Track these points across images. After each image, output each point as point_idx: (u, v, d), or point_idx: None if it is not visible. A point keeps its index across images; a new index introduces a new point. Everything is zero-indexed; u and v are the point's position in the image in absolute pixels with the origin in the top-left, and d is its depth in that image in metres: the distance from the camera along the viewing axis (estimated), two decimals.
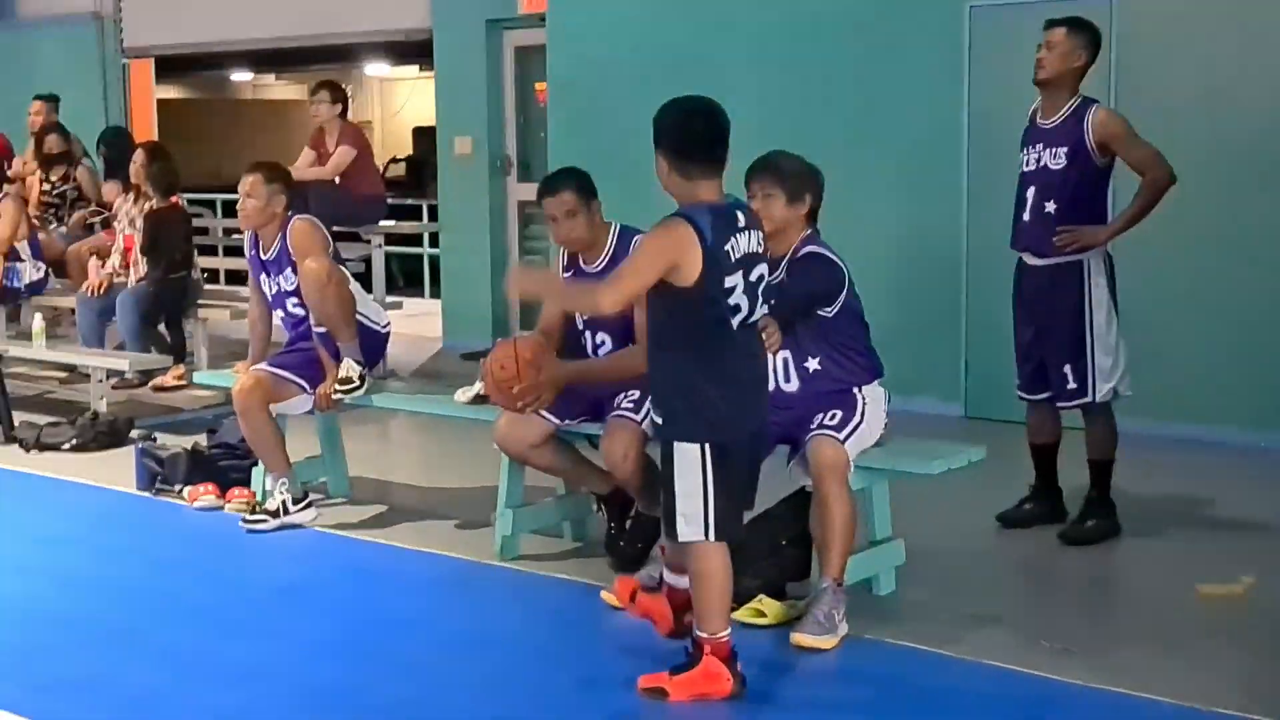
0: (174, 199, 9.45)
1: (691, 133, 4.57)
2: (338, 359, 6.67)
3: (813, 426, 5.27)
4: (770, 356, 5.30)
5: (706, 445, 4.53)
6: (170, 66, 24.86)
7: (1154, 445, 7.55)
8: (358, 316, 6.72)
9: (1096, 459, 6.33)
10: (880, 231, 8.84)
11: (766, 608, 5.26)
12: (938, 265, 8.83)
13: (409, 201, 15.88)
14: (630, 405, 5.74)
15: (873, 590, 5.60)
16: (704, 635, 4.63)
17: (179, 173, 9.49)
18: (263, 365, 6.79)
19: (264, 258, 6.85)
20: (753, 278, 4.58)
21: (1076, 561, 6.18)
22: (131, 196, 9.56)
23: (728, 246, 4.49)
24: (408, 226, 12.03)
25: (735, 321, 4.55)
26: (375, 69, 26.69)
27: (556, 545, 6.36)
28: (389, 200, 15.23)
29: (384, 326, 6.97)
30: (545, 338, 6.06)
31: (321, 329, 6.69)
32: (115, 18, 14.12)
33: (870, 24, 9.01)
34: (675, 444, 4.58)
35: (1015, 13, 8.18)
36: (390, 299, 10.52)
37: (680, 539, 4.63)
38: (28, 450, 8.30)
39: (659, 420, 4.67)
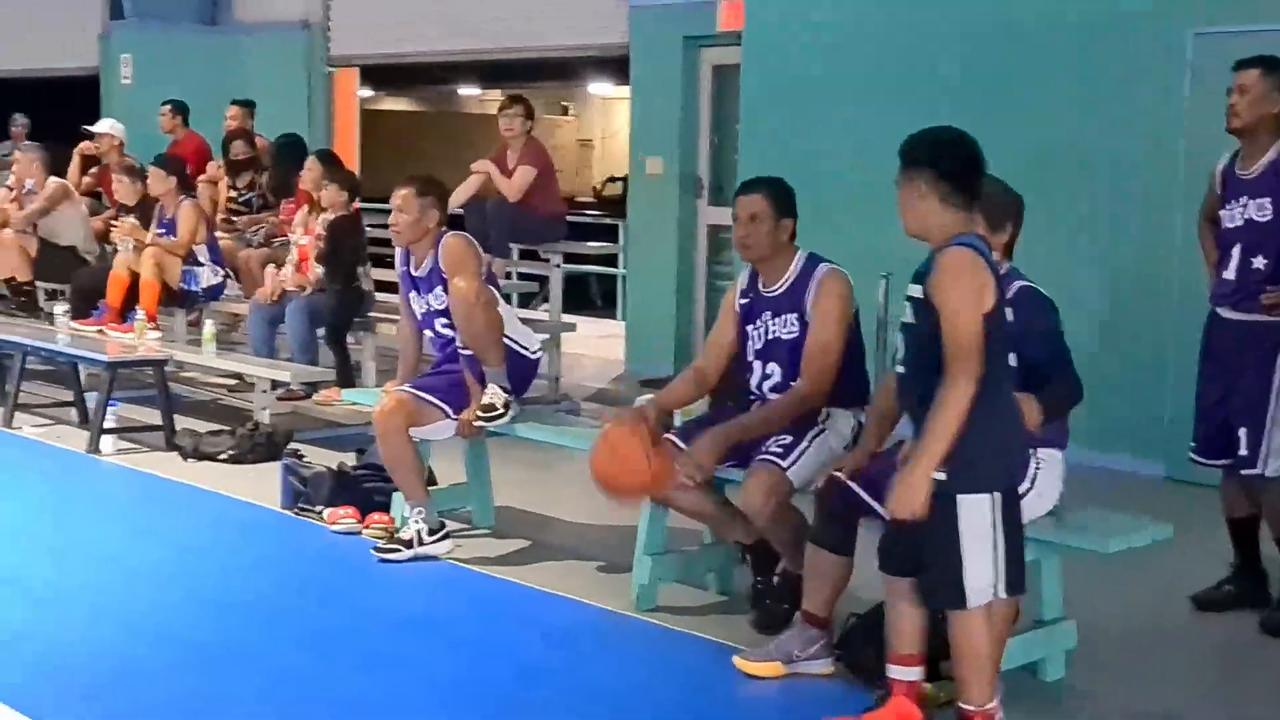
0: (354, 207, 9.28)
1: (973, 163, 4.34)
2: (485, 384, 6.35)
3: None
4: None
5: (996, 495, 4.15)
6: (398, 79, 25.41)
7: None
8: (506, 341, 6.38)
9: None
10: (1080, 268, 8.18)
11: None
12: (1143, 308, 8.12)
13: (606, 221, 15.60)
14: (779, 450, 5.28)
15: (1038, 675, 5.01)
16: (972, 710, 4.24)
17: (357, 180, 9.32)
18: (406, 387, 6.49)
19: (415, 274, 6.57)
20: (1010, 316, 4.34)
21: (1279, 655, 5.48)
22: (307, 206, 9.42)
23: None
24: (593, 246, 11.65)
25: (1012, 358, 4.31)
26: (598, 87, 26.72)
27: (699, 598, 5.91)
28: (603, 220, 15.07)
29: (534, 352, 6.62)
30: (702, 375, 5.69)
31: (468, 351, 6.37)
32: (323, 26, 14.14)
33: (1085, 47, 8.37)
34: (959, 498, 4.15)
35: (1244, 41, 7.44)
36: (566, 319, 10.21)
37: (970, 606, 4.20)
38: (185, 458, 8.17)
39: (936, 474, 4.17)
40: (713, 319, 10.95)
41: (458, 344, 6.42)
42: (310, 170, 9.28)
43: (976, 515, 4.16)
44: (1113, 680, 5.08)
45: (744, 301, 5.61)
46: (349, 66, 14.25)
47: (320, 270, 9.18)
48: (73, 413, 9.16)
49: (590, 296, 16.36)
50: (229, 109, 11.68)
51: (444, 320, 6.47)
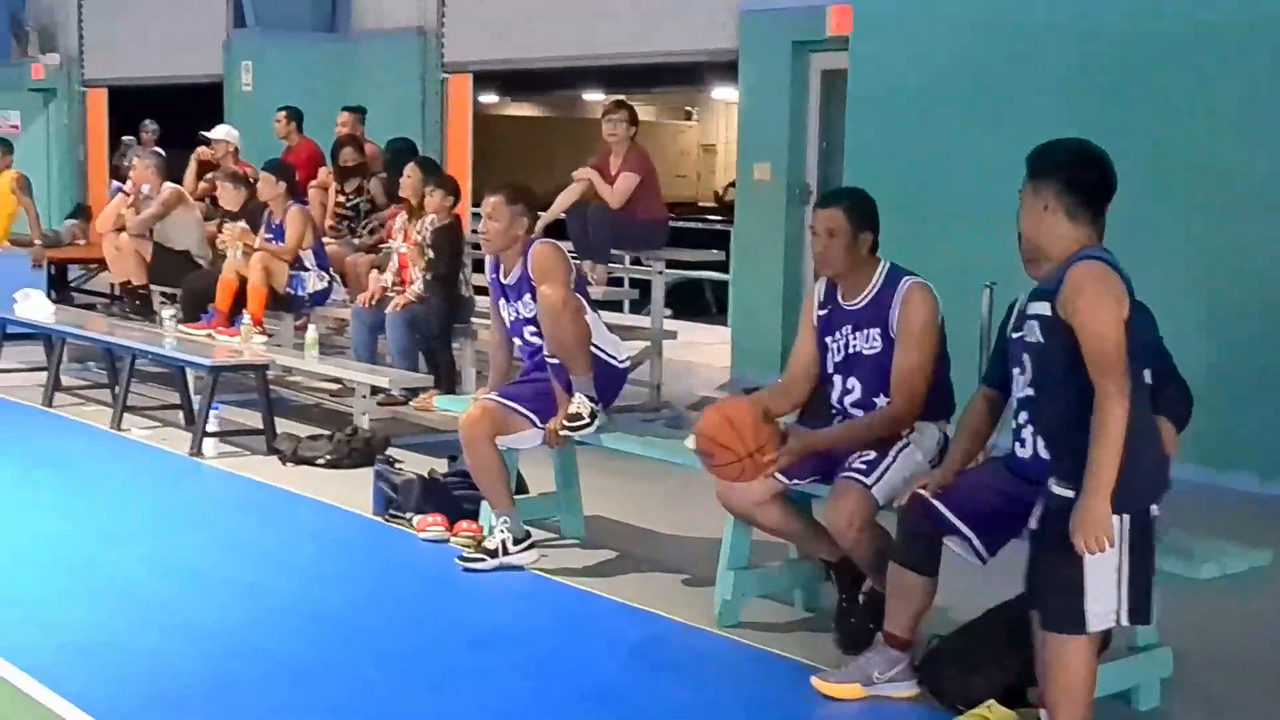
0: (455, 212, 9.27)
1: (1105, 180, 4.21)
2: (572, 393, 6.28)
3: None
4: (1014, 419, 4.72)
5: (1126, 516, 4.02)
6: (523, 85, 25.48)
7: None
8: (593, 350, 6.30)
9: None
10: (1188, 272, 7.89)
11: (995, 715, 4.56)
12: (1260, 313, 7.80)
13: (725, 227, 15.46)
14: (863, 466, 5.14)
15: (1131, 704, 4.82)
16: None
17: (458, 186, 9.32)
18: (493, 395, 6.45)
19: (504, 282, 6.52)
20: None
21: None
22: (405, 213, 9.43)
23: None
24: (695, 253, 11.48)
25: (1147, 375, 4.15)
26: (721, 92, 26.59)
27: (785, 614, 5.79)
28: (720, 225, 14.91)
29: (622, 361, 6.53)
30: (786, 391, 5.57)
31: (555, 360, 6.31)
32: (438, 33, 14.22)
33: (1194, 49, 8.07)
34: None
35: None
36: (669, 326, 10.12)
37: (1089, 630, 4.09)
38: (285, 463, 8.22)
39: (1063, 491, 4.08)
40: None
41: (545, 352, 6.37)
42: (410, 178, 9.27)
43: None
44: (1209, 711, 4.88)
45: (822, 314, 5.46)
46: (462, 72, 14.30)
47: (421, 277, 9.16)
48: (180, 415, 9.28)
49: (705, 302, 16.24)
50: (340, 115, 11.77)
51: (532, 328, 6.42)
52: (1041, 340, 4.19)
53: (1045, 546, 4.17)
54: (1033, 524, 4.31)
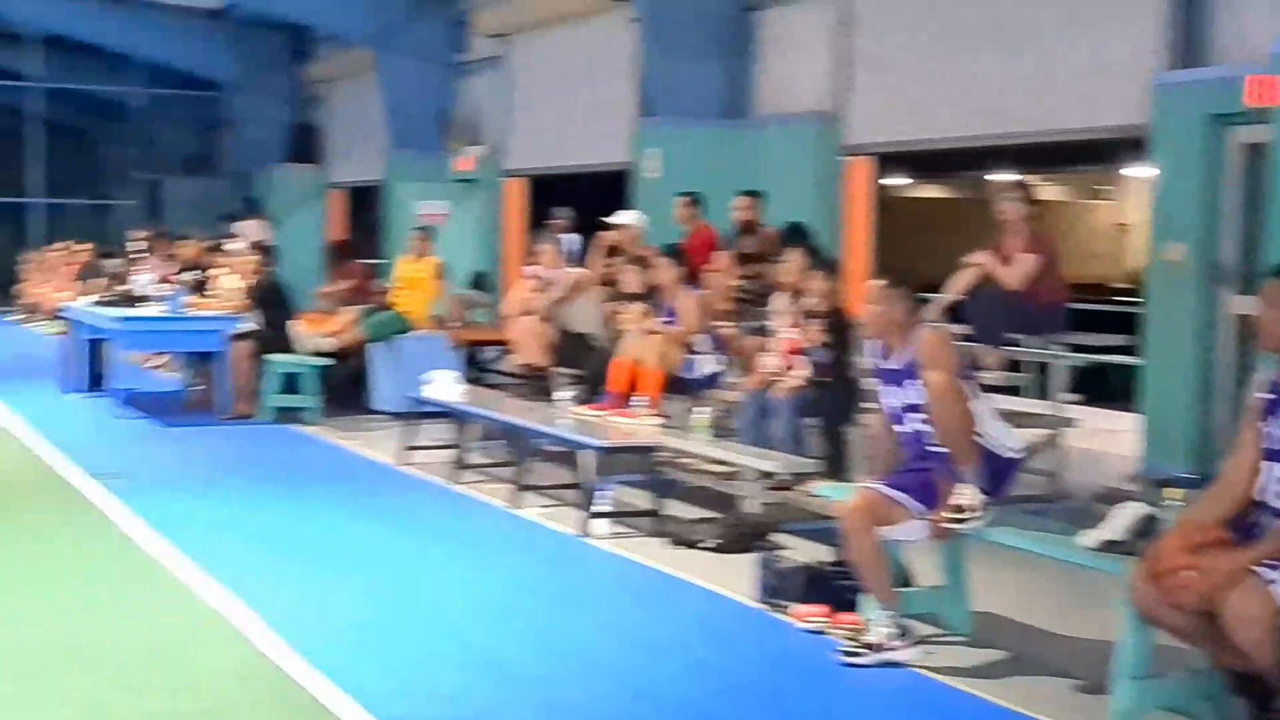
0: (838, 296, 9.15)
1: None
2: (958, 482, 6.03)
3: None
4: None
5: None
6: (931, 166, 25.17)
7: None
8: (979, 439, 6.04)
9: None
10: None
11: None
12: None
13: (1128, 309, 14.74)
14: (1271, 561, 4.69)
15: None
16: None
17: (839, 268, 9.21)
18: (875, 484, 6.26)
19: (888, 367, 6.36)
20: None
21: None
22: (788, 297, 9.37)
23: None
24: (1092, 337, 10.94)
25: None
26: (1133, 170, 25.63)
27: None
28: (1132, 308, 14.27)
29: (1011, 451, 6.22)
30: (1224, 498, 5.09)
31: (940, 448, 6.08)
32: (840, 116, 14.18)
33: None
34: None
35: None
36: (1067, 412, 9.68)
37: None
38: (671, 545, 8.23)
39: None
40: (1237, 417, 10.12)
41: (929, 440, 6.15)
42: (791, 261, 9.22)
43: None
44: None
45: (1271, 397, 5.04)
46: (862, 154, 14.20)
47: (812, 361, 9.06)
48: (575, 495, 9.43)
49: (1112, 387, 15.52)
50: (737, 199, 11.86)
51: (915, 415, 6.22)
52: None
53: None
54: None
